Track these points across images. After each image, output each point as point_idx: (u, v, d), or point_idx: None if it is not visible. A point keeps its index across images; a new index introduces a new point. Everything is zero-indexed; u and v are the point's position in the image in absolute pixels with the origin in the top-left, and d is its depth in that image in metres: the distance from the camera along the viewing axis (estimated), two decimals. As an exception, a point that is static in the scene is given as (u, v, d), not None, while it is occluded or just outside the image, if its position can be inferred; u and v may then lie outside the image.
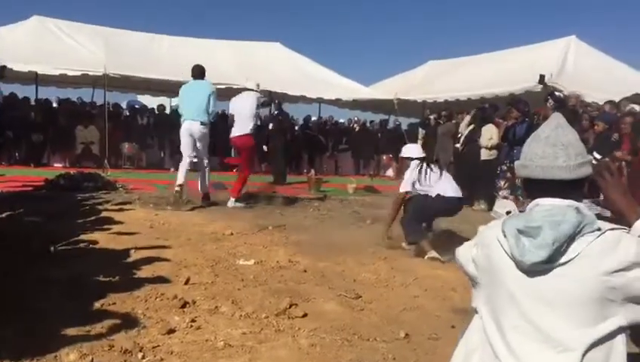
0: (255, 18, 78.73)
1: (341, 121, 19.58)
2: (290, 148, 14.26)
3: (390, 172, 17.51)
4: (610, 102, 8.75)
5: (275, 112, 13.43)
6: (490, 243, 1.75)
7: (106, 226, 6.15)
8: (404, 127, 17.84)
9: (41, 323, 3.24)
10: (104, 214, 6.93)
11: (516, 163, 1.86)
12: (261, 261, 5.10)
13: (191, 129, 8.07)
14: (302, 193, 10.22)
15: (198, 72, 8.62)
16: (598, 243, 1.56)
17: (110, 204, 7.82)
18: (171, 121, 16.06)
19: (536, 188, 1.74)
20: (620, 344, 1.57)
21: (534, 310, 1.62)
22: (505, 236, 1.68)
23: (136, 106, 17.88)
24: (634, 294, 1.54)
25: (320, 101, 17.51)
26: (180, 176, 8.02)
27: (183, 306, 3.69)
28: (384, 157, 17.74)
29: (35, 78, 14.74)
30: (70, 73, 13.39)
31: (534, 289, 1.62)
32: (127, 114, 17.02)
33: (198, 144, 8.15)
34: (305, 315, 3.67)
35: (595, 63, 13.94)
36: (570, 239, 1.58)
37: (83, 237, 5.55)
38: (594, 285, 1.55)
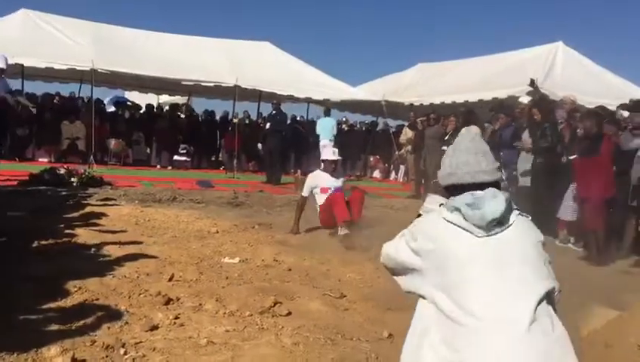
0: (245, 17, 78.60)
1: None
2: (285, 148, 14.26)
3: (377, 173, 17.56)
4: (601, 107, 8.83)
5: (273, 112, 13.41)
6: (435, 228, 1.93)
7: (90, 222, 6.11)
8: (392, 129, 17.89)
9: (22, 318, 3.21)
10: (89, 210, 6.88)
11: (440, 173, 2.08)
12: (246, 259, 5.10)
13: None
14: (289, 192, 10.21)
15: None
16: (522, 219, 1.93)
17: (95, 200, 7.77)
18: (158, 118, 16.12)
19: (464, 190, 1.95)
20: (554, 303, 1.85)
21: (492, 270, 1.80)
22: (455, 211, 1.89)
23: (128, 103, 17.74)
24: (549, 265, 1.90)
25: (308, 101, 17.51)
26: None
27: (167, 303, 3.68)
28: (371, 159, 17.78)
29: (21, 72, 14.58)
30: (57, 67, 13.24)
31: (491, 252, 1.83)
32: (113, 109, 16.89)
33: None
34: (289, 314, 3.68)
35: (581, 69, 14.09)
36: (508, 209, 1.88)
37: (67, 232, 5.51)
38: (535, 247, 1.89)
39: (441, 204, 2.00)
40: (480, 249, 1.84)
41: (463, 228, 1.87)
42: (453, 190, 2.00)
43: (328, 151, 7.08)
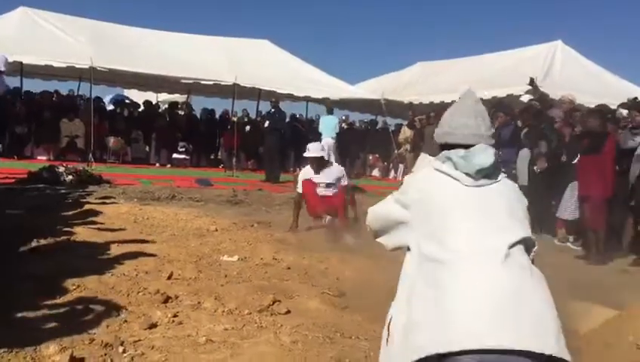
0: (244, 15, 78.48)
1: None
2: (284, 147, 14.26)
3: (376, 172, 17.56)
4: (603, 105, 8.82)
5: (272, 110, 13.41)
6: (424, 179, 2.03)
7: (89, 220, 6.11)
8: (391, 127, 17.89)
9: (20, 316, 3.21)
10: (87, 208, 6.87)
11: (438, 130, 2.14)
12: (245, 257, 5.09)
13: None
14: (288, 191, 10.21)
15: None
16: (509, 181, 2.03)
17: (94, 198, 7.76)
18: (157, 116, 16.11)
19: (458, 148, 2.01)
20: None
21: (475, 215, 1.87)
22: (447, 161, 1.97)
23: (127, 101, 17.73)
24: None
25: (307, 99, 17.51)
26: None
27: (166, 301, 3.67)
28: (370, 157, 17.78)
29: (20, 70, 14.57)
30: (56, 64, 13.26)
31: (476, 200, 1.91)
32: (112, 108, 16.88)
33: None
34: (288, 312, 3.68)
35: (580, 68, 14.10)
36: (497, 165, 1.96)
37: (65, 230, 5.50)
38: (519, 203, 1.98)
39: (432, 160, 2.07)
40: (465, 196, 1.92)
41: (452, 177, 1.95)
42: (447, 148, 2.04)
43: (310, 148, 6.81)
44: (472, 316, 1.70)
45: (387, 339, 1.91)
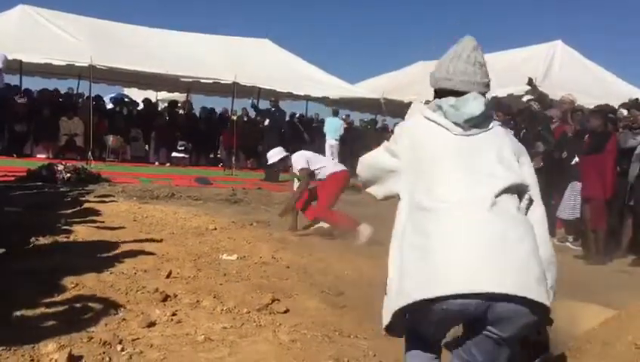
0: (244, 14, 78.46)
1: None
2: (284, 146, 14.23)
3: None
4: (606, 105, 8.82)
5: (272, 109, 13.40)
6: (414, 127, 2.06)
7: (88, 218, 6.10)
8: (391, 127, 17.88)
9: (19, 314, 3.20)
10: (86, 206, 6.86)
11: (435, 74, 2.13)
12: (244, 256, 5.09)
13: None
14: (287, 190, 10.20)
15: None
16: (502, 129, 2.06)
17: (93, 196, 7.75)
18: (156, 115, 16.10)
19: (452, 95, 2.01)
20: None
21: (464, 164, 1.90)
22: (437, 110, 1.99)
23: (126, 99, 17.71)
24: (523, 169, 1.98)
25: (307, 98, 17.50)
26: None
27: (164, 299, 3.67)
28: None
29: (19, 68, 14.55)
30: (55, 63, 13.24)
31: (465, 149, 1.93)
32: (111, 106, 16.87)
33: None
34: (286, 311, 3.67)
35: (580, 68, 14.09)
36: (488, 113, 1.98)
37: (64, 229, 5.50)
38: (511, 144, 2.00)
39: (424, 107, 2.10)
40: (454, 145, 1.94)
41: (442, 126, 1.97)
42: (443, 95, 2.05)
43: (269, 156, 7.03)
44: (457, 263, 1.77)
45: (386, 289, 1.99)
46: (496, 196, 1.85)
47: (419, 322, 1.93)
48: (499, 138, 2.00)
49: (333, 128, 14.52)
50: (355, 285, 4.50)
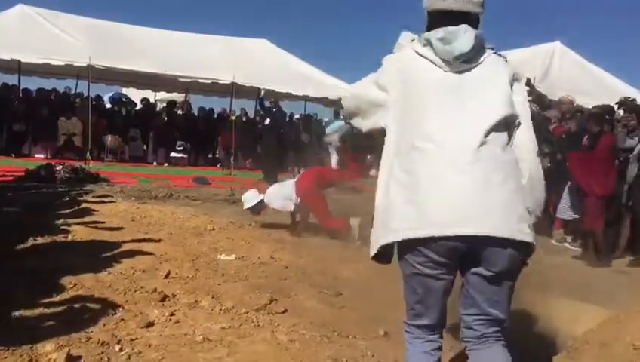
0: (243, 14, 78.36)
1: (325, 119, 19.56)
2: (284, 146, 14.25)
3: (373, 172, 17.55)
4: (606, 105, 8.83)
5: (273, 109, 13.38)
6: (404, 61, 2.01)
7: (86, 218, 6.08)
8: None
9: (17, 314, 3.20)
10: (85, 206, 6.85)
11: None
12: (242, 256, 5.08)
13: None
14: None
15: None
16: (494, 58, 1.99)
17: (91, 196, 7.74)
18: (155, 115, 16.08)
19: (445, 19, 1.96)
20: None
21: (453, 101, 1.90)
22: (427, 45, 1.95)
23: (124, 99, 17.69)
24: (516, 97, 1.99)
25: (306, 99, 17.49)
26: None
27: (163, 300, 3.66)
28: (369, 157, 17.75)
29: (18, 68, 14.54)
30: (54, 63, 13.22)
31: (455, 86, 1.92)
32: (110, 106, 16.86)
33: None
34: (285, 311, 3.67)
35: (578, 69, 14.10)
36: (478, 47, 1.93)
37: (63, 229, 5.49)
38: (504, 71, 1.97)
39: (412, 40, 2.06)
40: (444, 82, 1.93)
41: (432, 62, 1.95)
42: (437, 16, 2.01)
43: (245, 200, 6.94)
44: (441, 205, 1.81)
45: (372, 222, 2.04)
46: (485, 135, 1.86)
47: (409, 265, 1.95)
48: (491, 70, 1.98)
49: (339, 130, 14.53)
50: (354, 285, 4.49)
